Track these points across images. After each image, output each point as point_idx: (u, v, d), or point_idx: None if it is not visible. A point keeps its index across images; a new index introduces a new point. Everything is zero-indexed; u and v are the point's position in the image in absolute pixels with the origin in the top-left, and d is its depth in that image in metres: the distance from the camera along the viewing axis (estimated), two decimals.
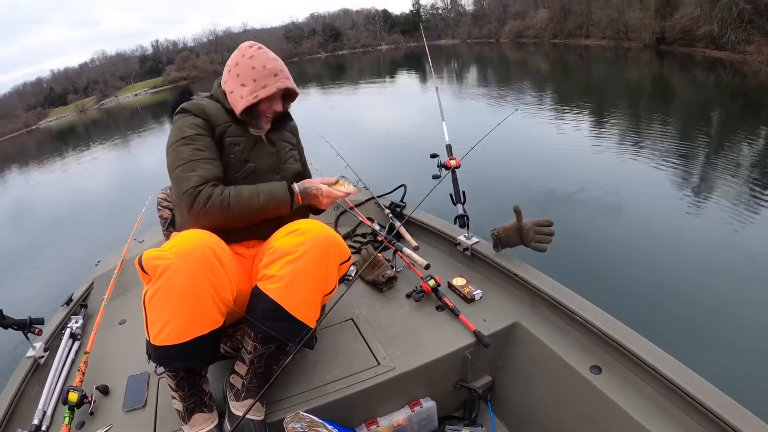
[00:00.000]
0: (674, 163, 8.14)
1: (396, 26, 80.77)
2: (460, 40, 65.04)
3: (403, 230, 2.68)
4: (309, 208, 1.93)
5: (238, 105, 1.73)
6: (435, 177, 2.55)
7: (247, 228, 1.70)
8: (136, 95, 76.42)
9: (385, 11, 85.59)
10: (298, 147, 2.07)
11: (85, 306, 2.71)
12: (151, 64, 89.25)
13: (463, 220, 2.47)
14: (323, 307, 1.79)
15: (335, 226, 3.17)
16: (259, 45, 1.78)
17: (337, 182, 1.76)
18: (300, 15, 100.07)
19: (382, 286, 2.33)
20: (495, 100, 16.24)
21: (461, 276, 2.28)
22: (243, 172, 1.73)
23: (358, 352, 1.91)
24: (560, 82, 21.75)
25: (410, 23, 78.76)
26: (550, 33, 44.69)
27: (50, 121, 71.95)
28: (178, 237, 1.48)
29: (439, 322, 2.03)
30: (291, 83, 1.77)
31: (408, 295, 2.24)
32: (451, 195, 2.53)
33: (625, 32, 34.21)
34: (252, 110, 1.74)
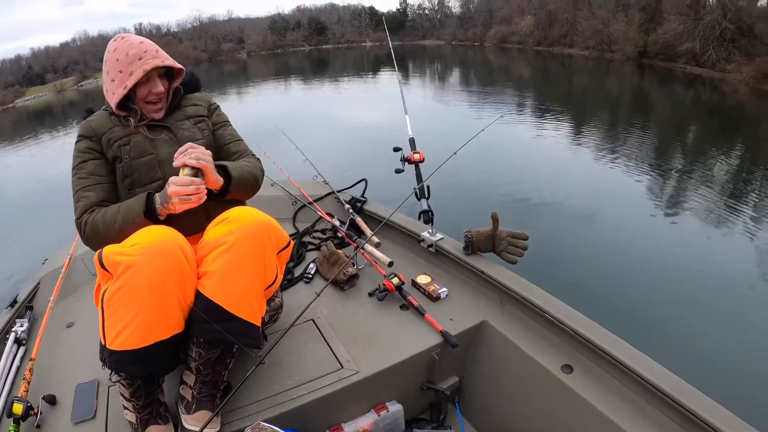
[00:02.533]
0: (649, 174, 8.36)
1: (382, 24, 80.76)
2: (445, 41, 65.39)
3: (363, 226, 2.70)
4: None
5: (112, 101, 1.64)
6: (398, 171, 2.51)
7: (181, 222, 1.56)
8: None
9: (371, 8, 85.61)
10: (215, 119, 1.91)
11: (31, 308, 2.50)
12: None
13: (427, 216, 2.40)
14: (278, 306, 1.83)
15: (293, 221, 3.07)
16: (124, 35, 1.67)
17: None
18: (286, 6, 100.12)
19: (343, 284, 2.26)
20: (474, 104, 16.25)
21: (425, 273, 2.24)
22: (144, 168, 1.65)
23: (319, 355, 1.83)
24: (541, 89, 21.91)
25: (396, 21, 78.56)
26: (534, 40, 44.97)
27: (27, 100, 69.50)
28: (143, 232, 1.38)
29: (403, 322, 1.99)
30: (160, 61, 1.64)
31: (371, 294, 2.19)
32: (415, 190, 2.44)
33: (609, 44, 34.64)
34: (130, 102, 1.67)
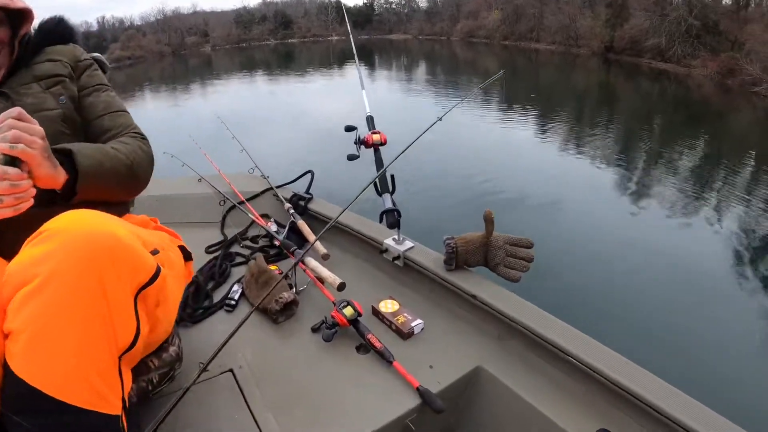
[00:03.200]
0: (615, 166, 8.41)
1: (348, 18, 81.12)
2: (412, 36, 65.24)
3: (307, 231, 2.06)
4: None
5: None
6: (351, 158, 1.85)
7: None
8: None
9: (338, 2, 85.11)
10: (85, 81, 1.32)
11: None
12: (95, 41, 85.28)
13: (392, 216, 1.73)
14: (174, 358, 1.24)
15: (221, 226, 2.37)
16: None
17: None
18: (252, 0, 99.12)
19: (276, 315, 1.60)
20: (440, 95, 16.09)
21: (391, 298, 1.63)
22: None
23: (237, 426, 1.21)
24: (508, 82, 21.53)
25: (363, 15, 78.68)
26: (501, 34, 45.08)
27: None
28: None
29: (361, 374, 1.37)
30: None
31: (314, 329, 1.55)
32: (374, 181, 1.75)
33: (575, 39, 34.89)
34: None
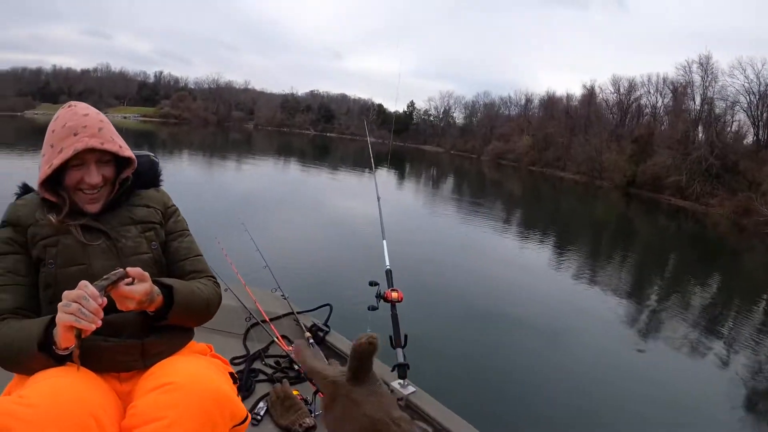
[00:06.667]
0: (626, 298, 8.27)
1: (387, 123, 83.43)
2: (444, 149, 67.45)
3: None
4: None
5: (37, 181, 1.30)
6: (371, 308, 2.16)
7: (105, 355, 1.22)
8: (125, 117, 74.17)
9: (380, 106, 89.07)
10: (172, 227, 1.51)
11: None
12: (149, 92, 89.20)
13: (403, 371, 1.99)
14: None
15: (244, 339, 2.54)
16: (74, 103, 1.37)
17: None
18: (301, 89, 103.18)
19: None
20: (464, 215, 16.06)
21: None
22: (72, 281, 1.15)
23: None
24: (530, 207, 22.29)
25: (401, 122, 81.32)
26: (529, 160, 46.56)
27: (36, 113, 69.53)
28: (43, 384, 1.06)
29: None
30: (99, 142, 1.28)
31: None
32: (390, 337, 2.07)
33: (599, 171, 35.82)
34: (59, 188, 1.30)
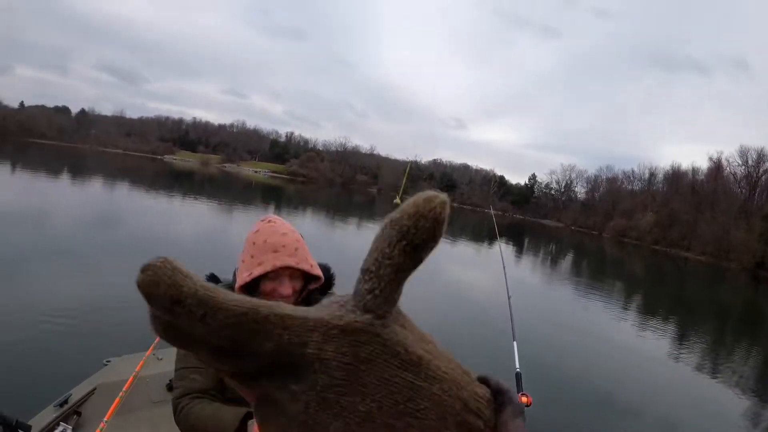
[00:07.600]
0: (750, 396, 7.81)
1: (508, 195, 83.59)
2: (564, 224, 65.53)
3: None
4: None
5: (237, 284, 1.45)
6: None
7: None
8: (256, 172, 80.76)
9: (502, 177, 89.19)
10: None
11: (79, 414, 2.33)
12: (280, 150, 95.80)
13: None
14: None
15: None
16: (272, 218, 1.50)
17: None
18: (425, 157, 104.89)
19: None
20: (577, 294, 15.63)
21: None
22: None
23: None
24: (653, 289, 21.36)
25: (522, 195, 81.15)
26: (652, 238, 45.22)
27: (174, 158, 79.20)
28: None
29: None
30: (295, 261, 1.41)
31: None
32: None
33: (726, 251, 34.25)
34: (254, 291, 1.44)
